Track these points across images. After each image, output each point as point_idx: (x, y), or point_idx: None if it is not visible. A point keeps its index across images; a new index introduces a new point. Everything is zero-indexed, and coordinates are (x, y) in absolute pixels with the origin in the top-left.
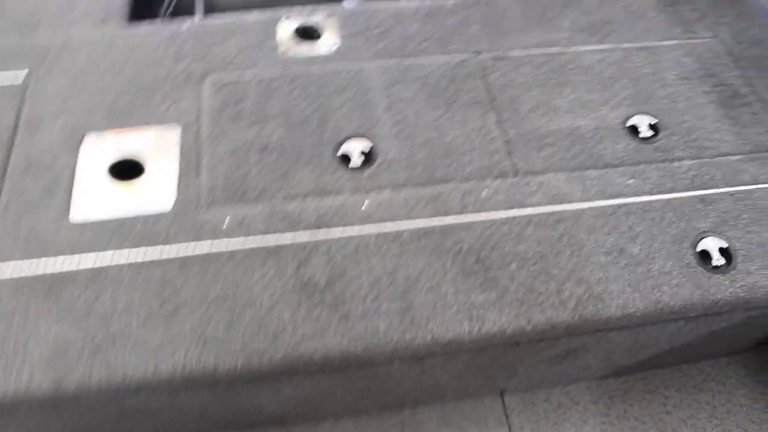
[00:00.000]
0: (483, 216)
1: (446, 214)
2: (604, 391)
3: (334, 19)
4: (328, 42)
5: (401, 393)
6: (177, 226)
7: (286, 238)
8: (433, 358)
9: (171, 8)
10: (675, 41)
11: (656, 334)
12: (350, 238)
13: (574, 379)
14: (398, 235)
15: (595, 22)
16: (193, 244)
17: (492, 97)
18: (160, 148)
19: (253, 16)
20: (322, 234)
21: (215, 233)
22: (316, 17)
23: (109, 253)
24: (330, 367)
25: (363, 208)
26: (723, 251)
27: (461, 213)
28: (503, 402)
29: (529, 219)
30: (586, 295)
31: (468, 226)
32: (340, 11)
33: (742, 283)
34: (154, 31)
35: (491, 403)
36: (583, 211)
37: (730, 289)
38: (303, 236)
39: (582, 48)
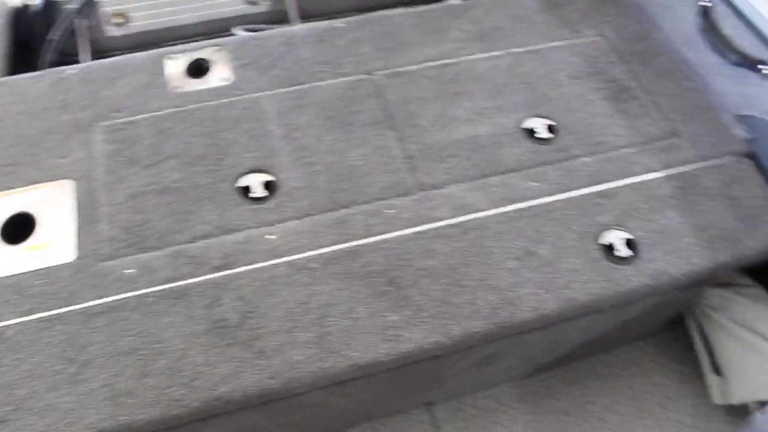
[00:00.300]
0: (390, 235)
1: (353, 237)
2: (527, 390)
3: (224, 52)
4: (220, 75)
5: (326, 418)
6: (78, 280)
7: (193, 279)
8: (354, 382)
9: (51, 56)
10: (562, 42)
11: (571, 330)
12: (259, 272)
13: (498, 381)
14: (307, 263)
15: (483, 30)
16: (96, 296)
17: (390, 115)
18: (53, 202)
19: (141, 56)
20: (229, 271)
21: (119, 283)
22: (205, 51)
23: (6, 313)
24: (250, 405)
25: (269, 240)
26: (627, 242)
27: (368, 235)
28: (432, 413)
29: (437, 233)
30: (499, 302)
31: (376, 248)
32: (230, 43)
33: (648, 271)
34: (37, 80)
35: (420, 416)
36: (488, 218)
37: (638, 279)
38: (210, 276)
39: (474, 56)
